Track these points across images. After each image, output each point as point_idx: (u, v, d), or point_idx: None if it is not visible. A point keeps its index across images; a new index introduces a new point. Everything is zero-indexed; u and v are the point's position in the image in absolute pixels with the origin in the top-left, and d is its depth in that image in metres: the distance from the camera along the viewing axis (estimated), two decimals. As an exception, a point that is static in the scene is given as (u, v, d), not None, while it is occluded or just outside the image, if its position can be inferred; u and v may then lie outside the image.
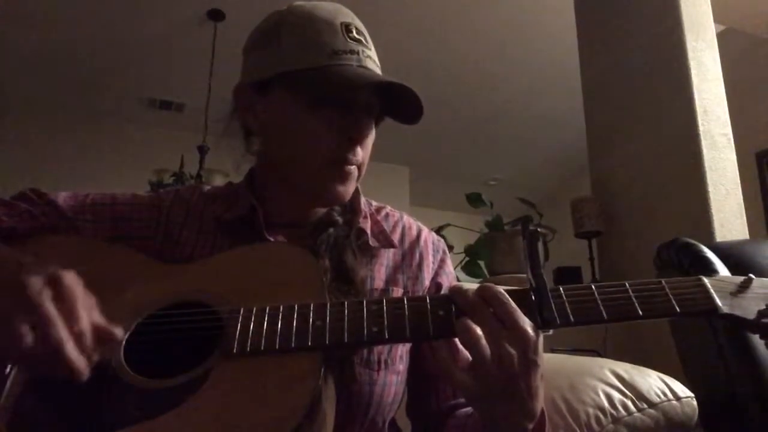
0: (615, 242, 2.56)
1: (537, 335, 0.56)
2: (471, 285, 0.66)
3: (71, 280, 0.53)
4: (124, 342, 0.59)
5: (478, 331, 0.55)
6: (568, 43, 3.24)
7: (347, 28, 0.73)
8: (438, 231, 2.19)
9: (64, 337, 0.50)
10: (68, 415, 0.57)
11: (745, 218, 2.27)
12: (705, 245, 1.10)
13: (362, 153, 0.75)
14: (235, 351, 0.57)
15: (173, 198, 0.82)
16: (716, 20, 2.61)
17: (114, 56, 4.20)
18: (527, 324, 0.55)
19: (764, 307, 0.58)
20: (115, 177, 4.36)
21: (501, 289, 0.58)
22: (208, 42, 3.84)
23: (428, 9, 3.82)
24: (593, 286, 0.60)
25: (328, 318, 0.58)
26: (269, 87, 0.74)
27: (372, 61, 0.74)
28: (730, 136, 2.37)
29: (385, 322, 0.58)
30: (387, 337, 0.58)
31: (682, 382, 0.98)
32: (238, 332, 0.58)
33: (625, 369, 0.96)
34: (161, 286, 0.66)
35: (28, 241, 0.71)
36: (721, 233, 2.15)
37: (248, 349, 0.57)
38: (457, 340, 0.58)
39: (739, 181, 2.32)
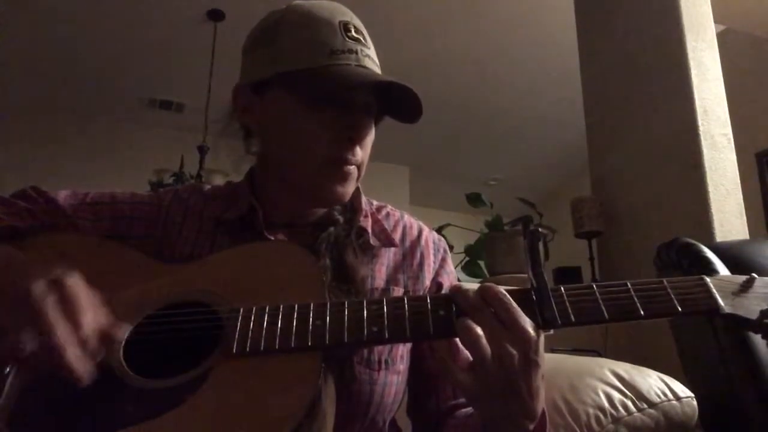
0: (615, 242, 2.56)
1: (538, 335, 0.56)
2: (471, 285, 0.66)
3: (74, 282, 0.53)
4: (123, 342, 0.59)
5: (479, 330, 0.55)
6: (568, 43, 3.24)
7: (345, 26, 0.72)
8: (438, 231, 2.20)
9: (65, 343, 0.50)
10: (68, 415, 0.57)
11: (745, 218, 2.27)
12: (705, 245, 1.09)
13: (362, 153, 0.74)
14: (234, 351, 0.57)
15: (172, 197, 0.82)
16: (716, 20, 2.61)
17: (114, 56, 4.20)
18: (528, 324, 0.55)
19: (767, 306, 0.57)
20: (115, 177, 4.36)
21: (502, 289, 0.58)
22: (208, 42, 3.84)
23: (428, 9, 3.82)
24: (594, 286, 0.59)
25: (328, 317, 0.58)
26: (268, 87, 0.74)
27: (371, 60, 0.73)
28: (730, 136, 2.37)
29: (385, 322, 0.58)
30: (387, 336, 0.58)
31: (682, 382, 0.98)
32: (237, 332, 0.58)
33: (625, 369, 0.96)
34: (160, 285, 0.66)
35: (27, 240, 0.71)
36: (721, 233, 2.15)
37: (248, 348, 0.57)
38: (457, 339, 0.57)
39: (739, 181, 2.32)
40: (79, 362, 0.50)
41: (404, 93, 0.71)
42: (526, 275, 0.60)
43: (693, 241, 1.10)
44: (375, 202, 0.87)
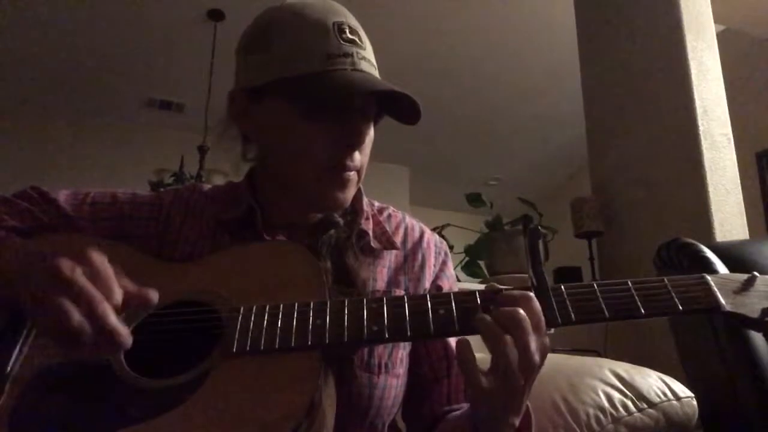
0: (615, 242, 2.56)
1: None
2: (474, 285, 0.66)
3: (98, 256, 0.54)
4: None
5: (508, 338, 0.55)
6: (568, 43, 3.24)
7: (340, 28, 0.71)
8: (438, 231, 2.19)
9: (107, 309, 0.51)
10: (68, 415, 0.57)
11: (745, 218, 2.27)
12: (705, 245, 1.09)
13: (361, 157, 0.74)
14: (235, 350, 0.57)
15: (173, 197, 0.82)
16: (716, 20, 2.61)
17: (114, 56, 4.20)
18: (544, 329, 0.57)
19: (768, 305, 0.57)
20: (115, 177, 4.37)
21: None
22: (208, 42, 3.84)
23: (428, 8, 3.82)
24: (595, 285, 0.59)
25: (328, 317, 0.58)
26: (263, 94, 0.73)
27: (367, 62, 0.72)
28: (730, 136, 2.37)
29: (386, 321, 0.58)
30: (387, 336, 0.58)
31: (682, 382, 0.98)
32: (237, 331, 0.58)
33: (625, 369, 0.96)
34: (161, 285, 0.66)
35: (28, 240, 0.71)
36: (721, 233, 2.15)
37: (248, 348, 0.57)
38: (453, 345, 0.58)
39: (739, 181, 2.32)
40: (121, 326, 0.52)
41: (403, 95, 0.70)
42: (526, 275, 0.60)
43: (693, 241, 1.10)
44: (377, 204, 0.86)
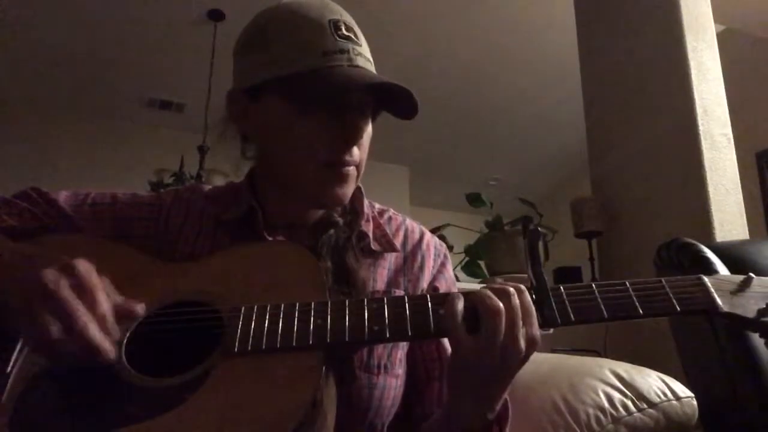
0: (615, 242, 2.56)
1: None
2: (473, 285, 0.66)
3: (85, 265, 0.55)
4: (125, 341, 0.59)
5: (500, 306, 0.56)
6: (568, 43, 3.24)
7: (336, 25, 0.71)
8: (438, 231, 2.19)
9: (87, 322, 0.51)
10: (69, 415, 0.57)
11: (745, 218, 2.27)
12: (705, 245, 1.09)
13: (359, 153, 0.74)
14: (236, 350, 0.57)
15: (173, 197, 0.82)
16: (716, 20, 2.61)
17: (114, 56, 4.20)
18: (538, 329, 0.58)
19: (764, 306, 0.58)
20: (115, 177, 4.37)
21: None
22: (208, 42, 3.84)
23: (428, 9, 3.82)
24: (594, 285, 0.60)
25: (329, 317, 0.58)
26: (261, 92, 0.73)
27: (363, 58, 0.72)
28: (730, 136, 2.37)
29: (386, 321, 0.58)
30: (388, 335, 0.58)
31: (682, 382, 0.98)
32: (239, 331, 0.58)
33: (625, 369, 0.96)
34: (161, 285, 0.66)
35: (28, 240, 0.71)
36: (721, 233, 2.15)
37: (249, 348, 0.57)
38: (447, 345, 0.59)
39: (739, 181, 2.32)
40: (102, 340, 0.52)
41: (400, 89, 0.70)
42: (526, 275, 0.60)
43: (693, 241, 1.10)
44: (377, 206, 0.86)
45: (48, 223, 0.75)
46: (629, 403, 0.90)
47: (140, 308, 0.58)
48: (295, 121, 0.71)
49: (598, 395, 0.90)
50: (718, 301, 0.59)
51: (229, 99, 0.77)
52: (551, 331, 0.59)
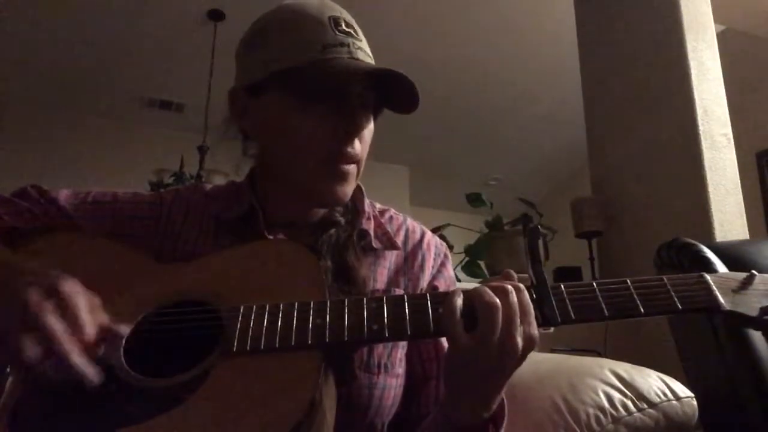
0: (615, 242, 2.56)
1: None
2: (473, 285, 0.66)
3: (70, 287, 0.54)
4: (123, 341, 0.59)
5: (498, 303, 0.56)
6: (568, 43, 3.24)
7: (335, 21, 0.72)
8: (438, 231, 2.19)
9: (69, 348, 0.51)
10: (68, 415, 0.57)
11: (745, 218, 2.27)
12: (705, 245, 1.09)
13: (360, 147, 0.73)
14: (235, 350, 0.57)
15: (174, 197, 0.82)
16: (716, 20, 2.61)
17: (114, 56, 4.20)
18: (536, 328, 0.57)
19: (767, 303, 0.57)
20: (115, 177, 4.36)
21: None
22: (208, 42, 3.84)
23: (428, 8, 3.82)
24: (594, 284, 0.60)
25: (328, 316, 0.58)
26: (262, 89, 0.73)
27: (363, 52, 0.72)
28: (730, 136, 2.37)
29: (386, 321, 0.58)
30: (387, 335, 0.58)
31: (682, 382, 0.98)
32: (237, 331, 0.58)
33: (625, 369, 0.96)
34: (161, 284, 0.66)
35: (28, 239, 0.71)
36: (721, 233, 2.15)
37: (248, 347, 0.57)
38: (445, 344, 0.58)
39: (739, 181, 2.32)
40: (85, 364, 0.51)
41: (400, 83, 0.70)
42: (526, 275, 0.60)
43: (693, 241, 1.10)
44: (378, 205, 0.86)
45: (48, 222, 0.75)
46: (629, 403, 0.90)
47: (123, 329, 0.57)
48: (294, 116, 0.71)
49: (598, 395, 0.90)
50: (721, 299, 0.58)
51: (231, 97, 0.78)
52: (552, 330, 0.58)
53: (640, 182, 2.47)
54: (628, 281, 0.60)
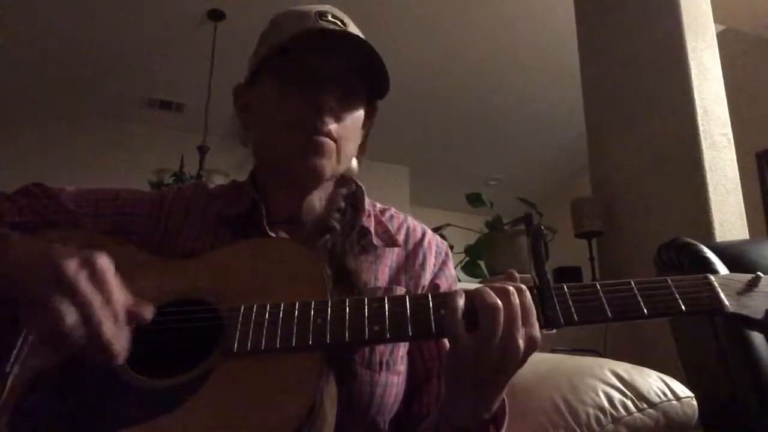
0: (615, 242, 2.55)
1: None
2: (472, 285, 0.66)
3: (104, 261, 0.54)
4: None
5: (500, 304, 0.56)
6: (568, 43, 3.24)
7: (321, 14, 0.76)
8: (438, 231, 2.19)
9: (103, 318, 0.51)
10: (68, 415, 0.57)
11: (745, 218, 2.27)
12: (705, 245, 1.09)
13: (337, 126, 0.74)
14: (235, 350, 0.57)
15: (175, 194, 0.82)
16: (716, 20, 2.61)
17: (114, 56, 4.20)
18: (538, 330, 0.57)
19: (774, 306, 0.57)
20: (115, 177, 4.35)
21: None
22: (208, 42, 3.84)
23: (427, 8, 3.82)
24: (598, 285, 0.59)
25: (329, 316, 0.58)
26: (255, 80, 0.78)
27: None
28: (730, 136, 2.37)
29: (387, 321, 0.58)
30: (388, 336, 0.58)
31: (682, 382, 0.98)
32: (238, 331, 0.58)
33: (625, 369, 0.96)
34: (161, 282, 0.66)
35: (32, 237, 0.71)
36: (721, 233, 2.15)
37: (249, 348, 0.57)
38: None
39: (739, 181, 2.31)
40: (114, 338, 0.52)
41: (374, 64, 0.73)
42: (528, 276, 0.60)
43: (693, 241, 1.10)
44: (379, 205, 0.87)
45: (49, 219, 0.75)
46: (629, 403, 0.90)
47: (149, 312, 0.57)
48: (274, 96, 0.75)
49: (598, 395, 0.90)
50: (725, 301, 0.58)
51: (235, 94, 0.82)
52: (554, 331, 0.58)
53: (640, 182, 2.46)
54: (632, 282, 0.59)
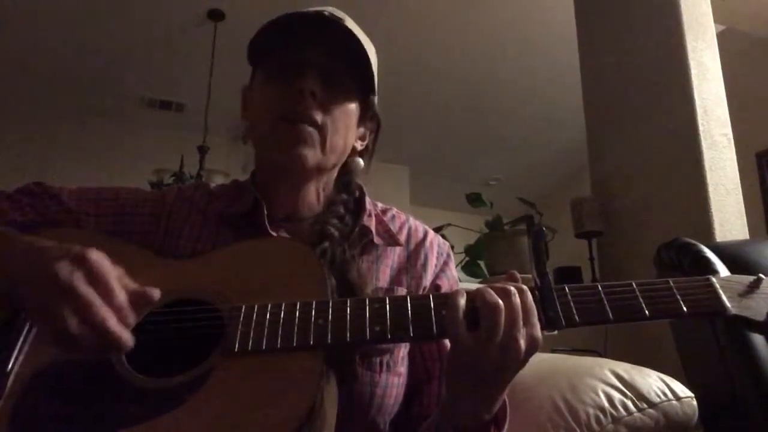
0: (615, 242, 2.55)
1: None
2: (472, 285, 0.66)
3: (96, 255, 0.54)
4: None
5: (501, 304, 0.56)
6: (568, 43, 3.24)
7: (317, 11, 0.76)
8: (439, 231, 2.19)
9: (105, 315, 0.51)
10: (69, 415, 0.57)
11: (745, 218, 2.26)
12: (705, 245, 1.09)
13: (323, 116, 0.74)
14: (236, 350, 0.57)
15: (176, 194, 0.82)
16: (716, 20, 2.61)
17: (114, 56, 4.19)
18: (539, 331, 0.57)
19: (775, 308, 0.57)
20: (115, 177, 4.35)
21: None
22: (208, 42, 3.84)
23: (427, 8, 3.82)
24: (599, 286, 0.59)
25: (330, 316, 0.58)
26: (252, 79, 0.81)
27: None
28: (730, 136, 2.36)
29: (388, 322, 0.58)
30: (389, 336, 0.58)
31: (682, 382, 0.98)
32: (239, 331, 0.58)
33: (625, 369, 0.96)
34: (162, 282, 0.66)
35: (33, 236, 0.71)
36: (721, 233, 2.15)
37: (249, 348, 0.57)
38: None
39: (739, 181, 2.31)
40: (121, 330, 0.52)
41: (360, 53, 0.75)
42: (530, 276, 0.60)
43: (693, 241, 1.10)
44: (380, 205, 0.87)
45: (50, 218, 0.75)
46: (629, 403, 0.90)
47: (156, 293, 0.56)
48: (264, 88, 0.77)
49: (598, 395, 0.90)
50: (727, 303, 0.57)
51: (242, 96, 0.85)
52: (556, 332, 0.58)
53: (640, 182, 2.46)
54: (633, 284, 0.59)
